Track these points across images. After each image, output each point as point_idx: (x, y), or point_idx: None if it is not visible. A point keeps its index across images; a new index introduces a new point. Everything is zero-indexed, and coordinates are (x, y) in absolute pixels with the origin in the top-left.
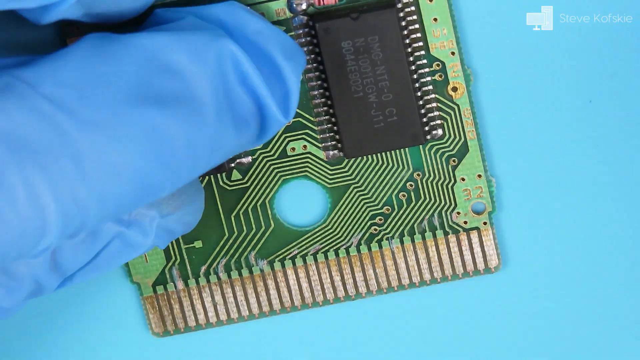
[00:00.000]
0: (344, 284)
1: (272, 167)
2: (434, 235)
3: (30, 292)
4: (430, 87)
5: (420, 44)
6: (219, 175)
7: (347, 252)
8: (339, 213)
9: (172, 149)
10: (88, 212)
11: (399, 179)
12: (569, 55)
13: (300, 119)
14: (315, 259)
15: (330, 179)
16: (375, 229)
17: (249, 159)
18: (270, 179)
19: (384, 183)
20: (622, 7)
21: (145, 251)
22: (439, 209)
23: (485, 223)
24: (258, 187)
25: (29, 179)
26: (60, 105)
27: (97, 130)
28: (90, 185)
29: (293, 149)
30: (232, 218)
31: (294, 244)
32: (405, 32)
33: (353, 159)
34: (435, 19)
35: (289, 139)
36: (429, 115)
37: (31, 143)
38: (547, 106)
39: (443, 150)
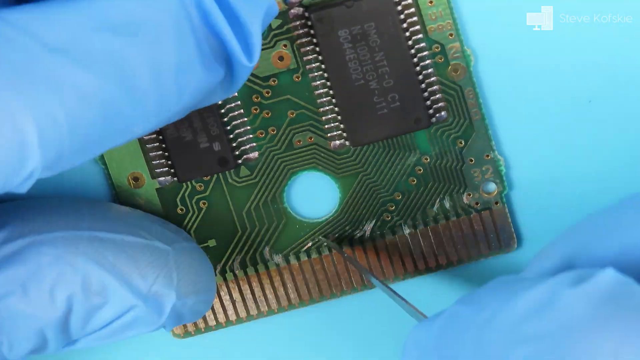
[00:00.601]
0: (361, 274)
1: (279, 160)
2: (447, 219)
3: (33, 347)
4: (431, 70)
5: (418, 27)
6: (227, 172)
7: (361, 241)
8: (350, 202)
9: (134, 75)
10: (64, 137)
11: (407, 164)
12: (569, 55)
13: (304, 111)
14: (330, 250)
15: (339, 169)
16: (388, 216)
17: (256, 154)
18: (278, 172)
19: (392, 169)
20: (622, 7)
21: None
22: (450, 191)
23: (497, 203)
24: (267, 181)
25: (5, 99)
26: (26, 30)
27: (63, 54)
28: (64, 105)
29: (299, 141)
30: (244, 214)
31: (307, 236)
32: (402, 17)
33: (360, 147)
34: (431, 2)
35: (294, 131)
36: (432, 98)
37: (2, 66)
38: (547, 106)
39: (449, 132)
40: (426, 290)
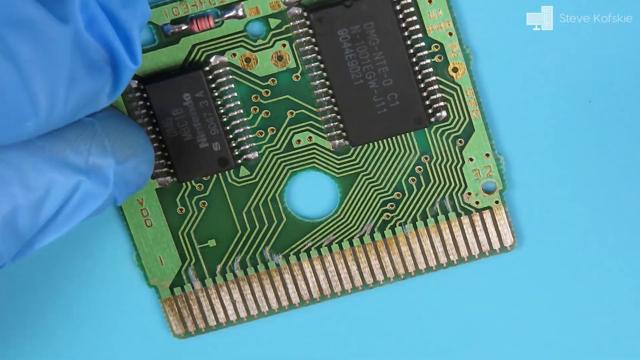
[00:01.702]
0: (361, 273)
1: (279, 160)
2: (447, 218)
3: None
4: (431, 69)
5: (417, 26)
6: (227, 172)
7: (362, 241)
8: (350, 202)
9: (25, 71)
10: None
11: (407, 163)
12: (569, 55)
13: (303, 111)
14: (330, 250)
15: (339, 169)
16: (388, 216)
17: (256, 154)
18: (278, 172)
19: (392, 169)
20: (622, 7)
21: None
22: (450, 191)
23: (497, 202)
24: (267, 181)
25: None
26: None
27: None
28: None
29: (299, 141)
30: (244, 214)
31: (307, 236)
32: (401, 16)
33: (359, 147)
34: (430, 1)
35: (294, 131)
36: (432, 97)
37: None
38: (547, 106)
39: (449, 131)
40: (426, 290)
